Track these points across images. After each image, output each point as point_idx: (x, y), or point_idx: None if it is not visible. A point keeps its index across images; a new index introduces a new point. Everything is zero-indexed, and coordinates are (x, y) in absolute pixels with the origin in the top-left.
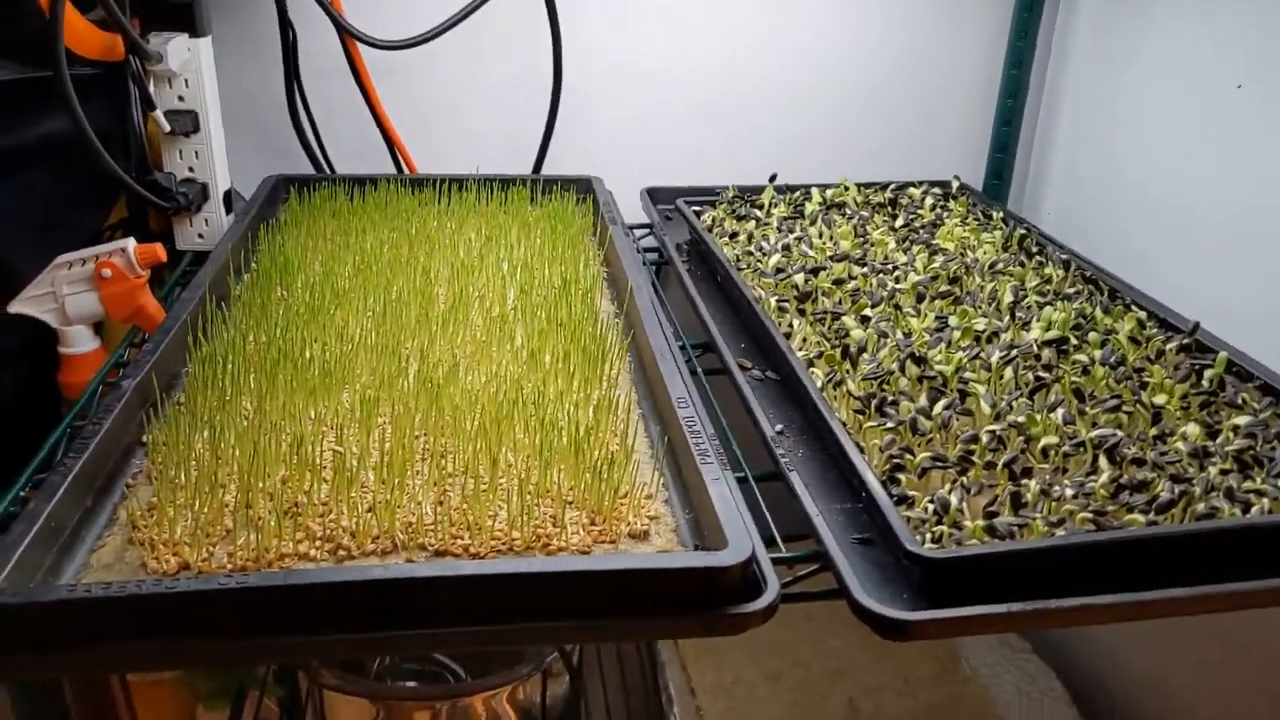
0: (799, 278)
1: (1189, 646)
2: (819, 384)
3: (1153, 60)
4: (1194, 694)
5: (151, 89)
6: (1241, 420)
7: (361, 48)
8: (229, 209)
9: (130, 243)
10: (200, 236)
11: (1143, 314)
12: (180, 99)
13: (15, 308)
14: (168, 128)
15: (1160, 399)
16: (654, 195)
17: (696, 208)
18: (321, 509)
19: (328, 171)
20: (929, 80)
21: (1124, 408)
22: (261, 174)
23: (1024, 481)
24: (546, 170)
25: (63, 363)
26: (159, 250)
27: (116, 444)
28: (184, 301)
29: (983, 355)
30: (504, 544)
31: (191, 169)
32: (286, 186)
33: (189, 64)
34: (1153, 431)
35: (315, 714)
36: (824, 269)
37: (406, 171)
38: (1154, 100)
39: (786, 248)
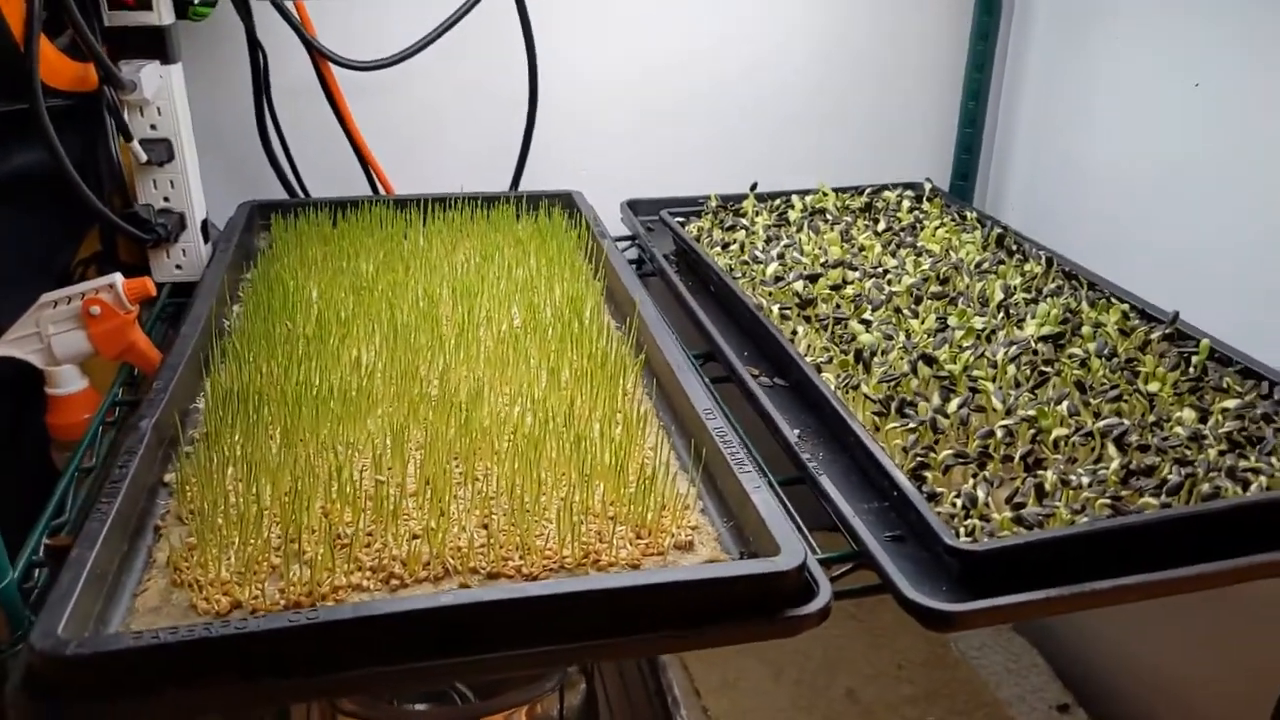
0: (798, 285)
1: (1159, 622)
2: (833, 388)
3: (1111, 61)
4: (1162, 661)
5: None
6: (1230, 404)
7: (334, 68)
8: (206, 238)
9: (118, 277)
10: (178, 268)
11: (1125, 306)
12: (153, 127)
13: None
14: (144, 158)
15: (1154, 387)
16: (635, 207)
17: (680, 219)
18: (367, 539)
19: (301, 195)
20: (893, 84)
21: (1124, 397)
22: (231, 201)
23: (1040, 472)
24: (523, 185)
25: (50, 404)
26: (149, 284)
27: (142, 486)
28: (185, 336)
29: (987, 353)
30: (555, 563)
31: (167, 199)
32: (264, 212)
33: (161, 91)
34: (1150, 418)
35: None
36: (820, 275)
37: (384, 192)
38: (1113, 99)
39: (781, 256)
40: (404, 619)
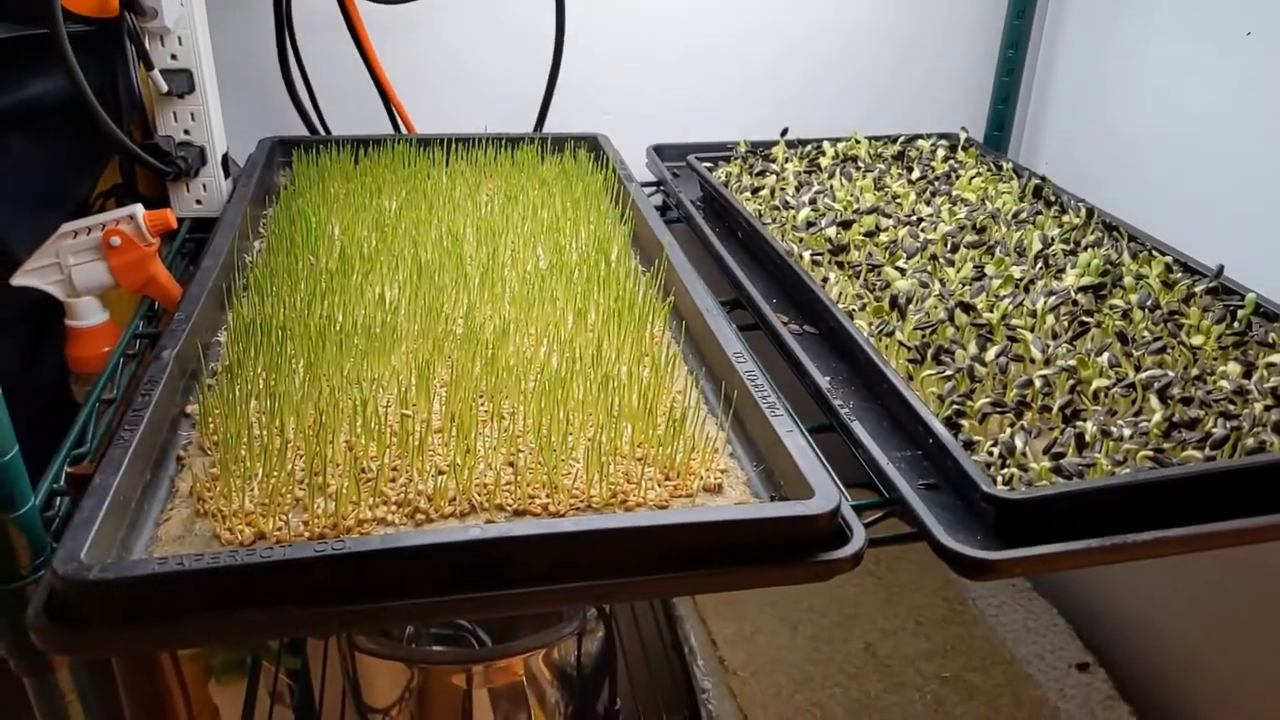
0: (831, 231)
1: (1182, 582)
2: (866, 335)
3: (1157, 9)
4: (1184, 622)
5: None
6: (1276, 359)
7: (358, 2)
8: (226, 173)
9: (138, 209)
10: (198, 202)
11: (1168, 259)
12: (174, 57)
13: (19, 280)
14: (165, 88)
15: (1197, 340)
16: (661, 152)
17: (707, 164)
18: (392, 474)
19: (323, 133)
20: (931, 30)
21: (1167, 349)
22: (250, 136)
23: (1079, 423)
24: (547, 127)
25: (70, 336)
26: (169, 216)
27: (165, 416)
28: (206, 270)
29: (1025, 303)
30: (582, 502)
31: (187, 131)
32: (285, 148)
33: (182, 20)
34: (1194, 371)
35: (349, 680)
36: (854, 221)
37: (406, 131)
38: (1159, 49)
39: (813, 202)
40: (431, 552)
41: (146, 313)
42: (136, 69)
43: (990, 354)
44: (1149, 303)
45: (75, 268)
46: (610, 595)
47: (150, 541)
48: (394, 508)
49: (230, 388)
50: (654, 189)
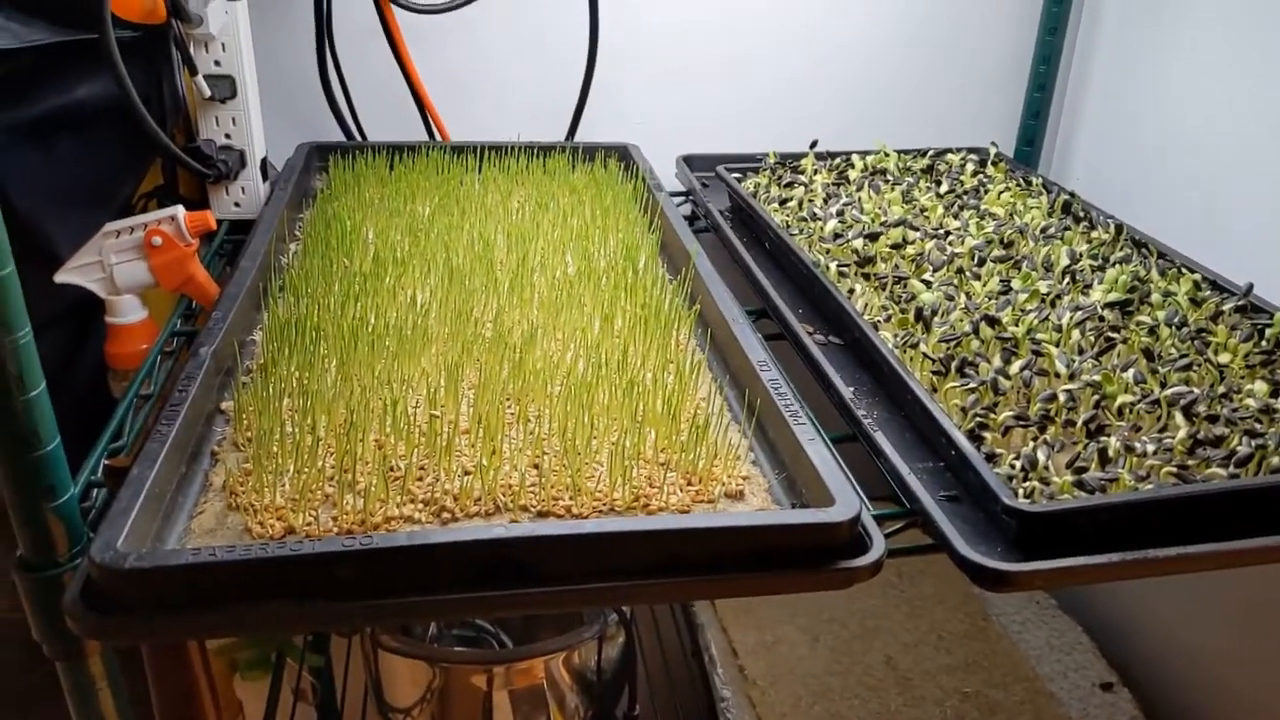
0: (858, 243)
1: (1207, 602)
2: (890, 346)
3: (1193, 28)
4: (1212, 641)
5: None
6: None
7: (396, 11)
8: (265, 177)
9: (180, 210)
10: (236, 205)
11: (1196, 276)
12: (217, 63)
13: (62, 277)
14: (208, 93)
15: (1224, 358)
16: (690, 162)
17: (736, 175)
18: (419, 473)
19: (359, 139)
20: (962, 45)
21: (1193, 366)
22: (287, 141)
23: (1103, 438)
24: (579, 136)
25: (110, 333)
26: (209, 218)
27: (200, 412)
28: (244, 270)
29: (1051, 317)
30: (605, 505)
31: (228, 135)
32: (322, 154)
33: (227, 27)
34: (1220, 389)
35: (371, 679)
36: (881, 234)
37: (440, 138)
38: (1192, 65)
39: (840, 214)
40: (457, 549)
41: (184, 311)
42: (181, 74)
43: (1014, 367)
44: (1176, 320)
45: (117, 266)
46: (631, 596)
47: (184, 533)
48: (421, 506)
49: (264, 385)
50: (683, 199)
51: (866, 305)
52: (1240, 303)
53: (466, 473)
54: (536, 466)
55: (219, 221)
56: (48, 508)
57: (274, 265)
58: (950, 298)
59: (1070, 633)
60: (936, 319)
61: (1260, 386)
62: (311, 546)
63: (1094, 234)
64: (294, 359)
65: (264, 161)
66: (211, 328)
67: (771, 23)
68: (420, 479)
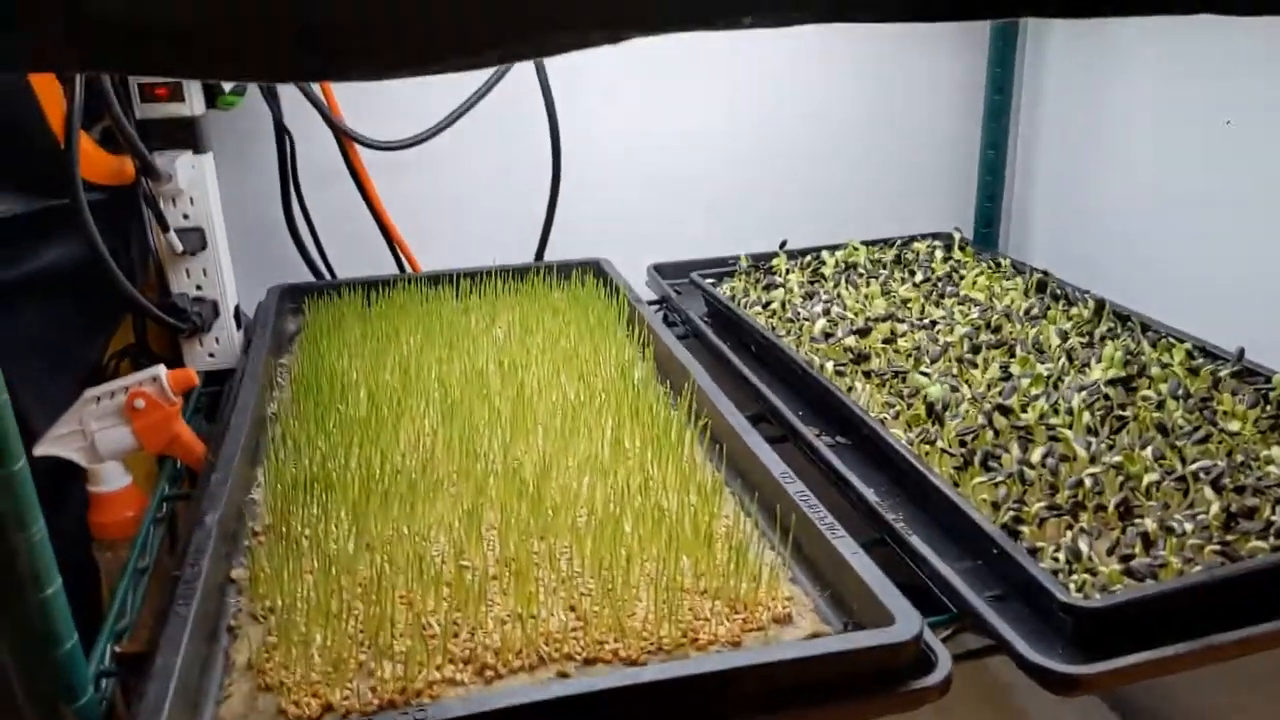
0: (849, 340)
1: (1246, 682)
2: (904, 443)
3: (1134, 105)
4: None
5: None
6: None
7: (360, 150)
8: (239, 324)
9: (162, 370)
10: (211, 355)
11: (1187, 345)
12: (186, 217)
13: (42, 449)
14: (180, 247)
15: (1234, 425)
16: (661, 270)
17: (710, 280)
18: (453, 627)
19: (328, 277)
20: (910, 139)
21: (1210, 438)
22: (254, 285)
23: (1137, 520)
24: (546, 254)
25: (94, 502)
26: (192, 375)
27: (212, 585)
28: (235, 427)
29: (1060, 402)
30: (652, 644)
31: (199, 286)
32: (294, 295)
33: (194, 181)
34: (1238, 457)
35: None
36: (870, 329)
37: (410, 270)
38: (1139, 140)
39: (826, 312)
40: (518, 714)
41: (171, 474)
42: (151, 231)
43: (1036, 456)
44: (1179, 391)
45: (99, 433)
46: None
47: None
48: (460, 665)
49: (276, 550)
50: (657, 306)
51: (868, 403)
52: (1235, 368)
53: (502, 623)
54: (573, 609)
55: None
56: (68, 711)
57: (265, 417)
58: (954, 389)
59: (1096, 711)
60: (948, 413)
61: (1277, 452)
62: None
63: (1074, 311)
64: (303, 518)
65: (237, 309)
66: (214, 492)
67: (722, 131)
68: (455, 634)
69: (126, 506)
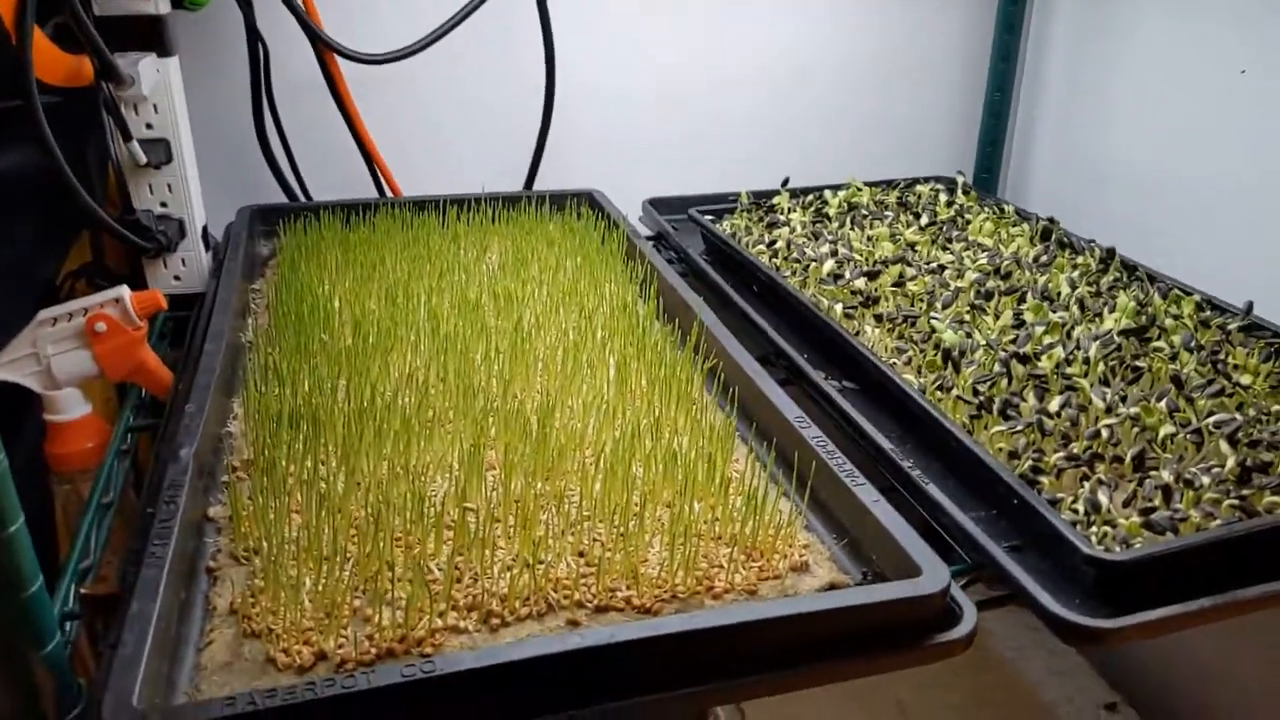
0: (859, 282)
1: None
2: (920, 391)
3: (1144, 48)
4: (1209, 655)
5: None
6: None
7: (341, 63)
8: (206, 246)
9: (125, 291)
10: (177, 278)
11: (1196, 298)
12: (149, 126)
13: None
14: (143, 159)
15: (1246, 379)
16: (657, 205)
17: (710, 217)
18: (455, 573)
19: (303, 199)
20: (916, 77)
21: (1225, 391)
22: (224, 206)
23: (1153, 472)
24: (535, 184)
25: (51, 432)
26: (159, 297)
27: (189, 524)
28: (209, 354)
29: (1078, 350)
30: (667, 592)
31: (164, 204)
32: (266, 217)
33: (158, 87)
34: (1250, 412)
35: None
36: (880, 272)
37: (391, 194)
38: (1149, 87)
39: (834, 253)
40: (534, 666)
41: (136, 403)
42: (113, 140)
43: (1054, 405)
44: (1192, 344)
45: (55, 357)
46: (733, 695)
47: (194, 671)
48: (465, 613)
49: (259, 487)
50: (652, 242)
51: (877, 347)
52: (1243, 323)
53: (508, 568)
54: (581, 554)
55: None
56: (35, 657)
57: (240, 345)
58: (968, 335)
59: (1068, 655)
60: (964, 360)
61: None
62: (367, 681)
63: (1080, 260)
64: (289, 453)
65: (204, 229)
66: (188, 424)
67: (722, 65)
68: (458, 579)
69: (86, 437)
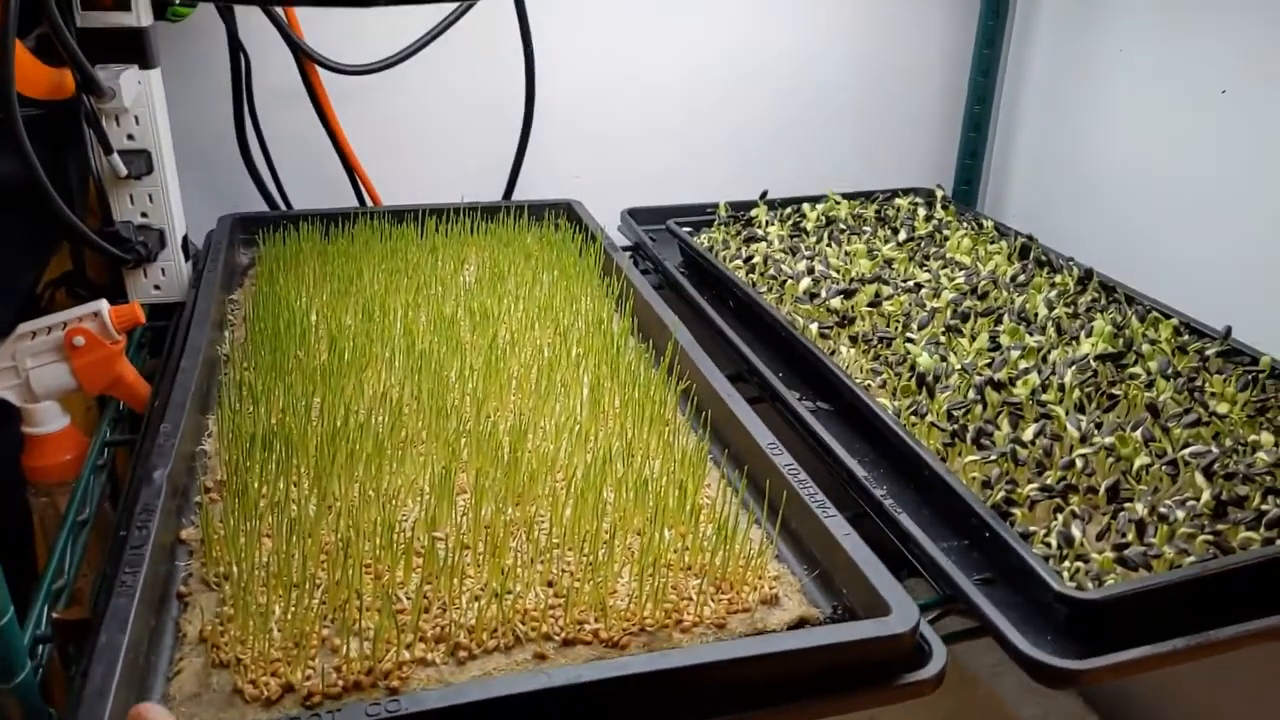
0: (835, 301)
1: None
2: (895, 415)
3: (1124, 68)
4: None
5: None
6: None
7: (322, 73)
8: (186, 256)
9: (104, 305)
10: (156, 288)
11: (1174, 321)
12: (130, 137)
13: None
14: (124, 171)
15: (1223, 408)
16: (635, 215)
17: (687, 229)
18: (423, 602)
19: (283, 208)
20: (895, 90)
21: (1201, 421)
22: (204, 215)
23: (1127, 504)
24: (515, 194)
25: (29, 445)
26: (138, 311)
27: (161, 547)
28: (185, 370)
29: (1049, 375)
30: (634, 625)
31: (145, 214)
32: (246, 226)
33: (140, 99)
34: (1227, 442)
35: None
36: (856, 290)
37: (371, 204)
38: (1128, 101)
39: (810, 270)
40: (497, 706)
41: (114, 416)
42: (93, 151)
43: (1028, 434)
44: (1169, 370)
45: (34, 370)
46: None
47: (163, 701)
48: (433, 644)
49: (231, 509)
50: (629, 253)
51: (852, 368)
52: (1222, 347)
53: (476, 599)
54: (550, 584)
55: None
56: (4, 690)
57: (216, 359)
58: (943, 358)
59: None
60: (938, 384)
61: (1266, 438)
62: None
63: (1058, 279)
64: (261, 476)
65: (184, 239)
66: (162, 445)
67: (701, 75)
68: (426, 609)
69: (64, 449)
